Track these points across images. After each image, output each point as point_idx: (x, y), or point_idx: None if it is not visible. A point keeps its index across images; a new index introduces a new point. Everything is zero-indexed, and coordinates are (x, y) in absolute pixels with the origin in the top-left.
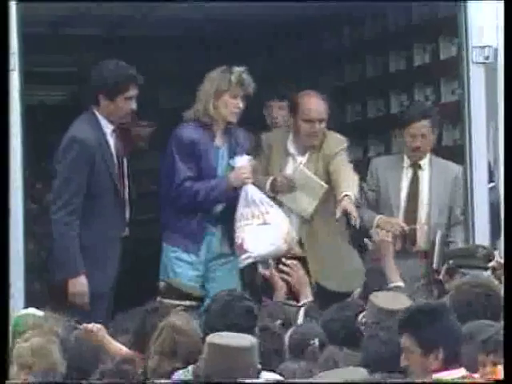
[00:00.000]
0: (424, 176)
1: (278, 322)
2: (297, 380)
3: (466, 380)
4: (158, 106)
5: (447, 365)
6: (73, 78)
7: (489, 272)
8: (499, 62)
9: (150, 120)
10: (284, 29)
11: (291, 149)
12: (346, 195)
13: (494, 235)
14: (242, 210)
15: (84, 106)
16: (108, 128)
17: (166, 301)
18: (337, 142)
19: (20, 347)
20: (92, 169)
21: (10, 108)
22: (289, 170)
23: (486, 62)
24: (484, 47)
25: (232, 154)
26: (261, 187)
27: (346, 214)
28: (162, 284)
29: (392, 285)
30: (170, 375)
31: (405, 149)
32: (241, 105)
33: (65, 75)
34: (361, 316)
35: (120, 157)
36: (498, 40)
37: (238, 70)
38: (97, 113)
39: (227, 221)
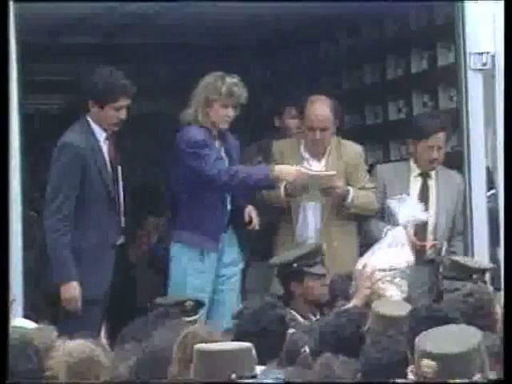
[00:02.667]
0: (432, 185)
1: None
2: (297, 380)
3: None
4: (156, 112)
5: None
6: (72, 87)
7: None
8: (497, 68)
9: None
10: (283, 36)
11: (305, 154)
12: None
13: (493, 243)
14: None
15: (79, 113)
16: (101, 135)
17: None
18: (355, 151)
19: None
20: (84, 174)
21: (10, 117)
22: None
23: (484, 68)
24: (481, 54)
25: (229, 156)
26: (275, 195)
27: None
28: (189, 303)
29: None
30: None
31: (417, 159)
32: (231, 113)
33: (64, 84)
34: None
35: (114, 164)
36: (495, 46)
37: (229, 81)
38: (90, 120)
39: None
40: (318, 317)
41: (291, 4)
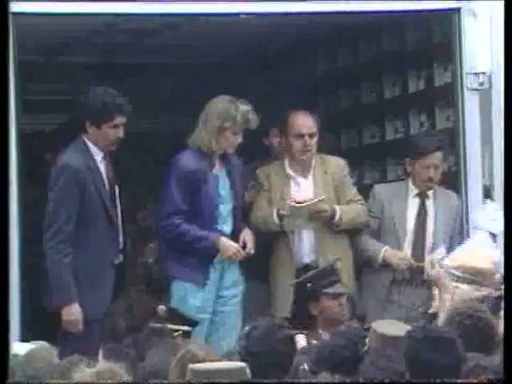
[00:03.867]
0: (430, 205)
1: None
2: (297, 380)
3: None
4: (156, 132)
5: None
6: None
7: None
8: (493, 88)
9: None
10: (279, 55)
11: (291, 172)
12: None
13: None
14: None
15: (75, 133)
16: (98, 155)
17: (164, 325)
18: (339, 164)
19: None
20: (83, 195)
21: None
22: (292, 192)
23: (481, 88)
24: (478, 74)
25: (231, 178)
26: (268, 221)
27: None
28: (161, 308)
29: None
30: None
31: (414, 178)
32: (240, 139)
33: (61, 103)
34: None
35: (112, 183)
36: (492, 66)
37: (243, 108)
38: (86, 140)
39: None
40: None
41: (288, 22)
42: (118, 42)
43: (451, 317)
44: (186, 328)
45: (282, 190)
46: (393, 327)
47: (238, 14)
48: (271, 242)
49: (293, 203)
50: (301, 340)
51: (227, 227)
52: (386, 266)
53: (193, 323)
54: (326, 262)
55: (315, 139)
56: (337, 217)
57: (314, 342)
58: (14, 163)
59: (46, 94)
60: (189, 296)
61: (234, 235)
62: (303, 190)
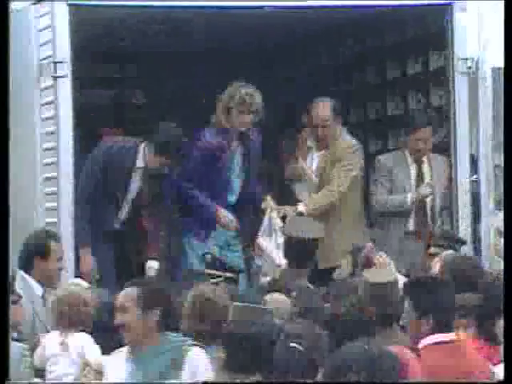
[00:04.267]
0: (426, 171)
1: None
2: (296, 380)
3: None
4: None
5: (437, 331)
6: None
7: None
8: (480, 71)
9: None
10: (287, 42)
11: (311, 144)
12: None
13: (474, 218)
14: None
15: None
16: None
17: (211, 271)
18: (344, 147)
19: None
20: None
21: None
22: (309, 160)
23: (469, 71)
24: (467, 59)
25: (244, 155)
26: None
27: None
28: (208, 257)
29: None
30: (199, 338)
31: (409, 148)
32: (247, 119)
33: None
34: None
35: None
36: (479, 52)
37: (243, 91)
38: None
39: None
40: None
41: (293, 15)
42: (155, 30)
43: (451, 260)
44: (228, 274)
45: (303, 155)
46: (379, 274)
47: (262, 7)
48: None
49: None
50: None
51: (232, 198)
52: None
53: (237, 271)
54: None
55: (328, 128)
56: (303, 210)
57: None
58: (70, 136)
59: (99, 73)
60: (196, 251)
61: (238, 205)
62: (314, 162)
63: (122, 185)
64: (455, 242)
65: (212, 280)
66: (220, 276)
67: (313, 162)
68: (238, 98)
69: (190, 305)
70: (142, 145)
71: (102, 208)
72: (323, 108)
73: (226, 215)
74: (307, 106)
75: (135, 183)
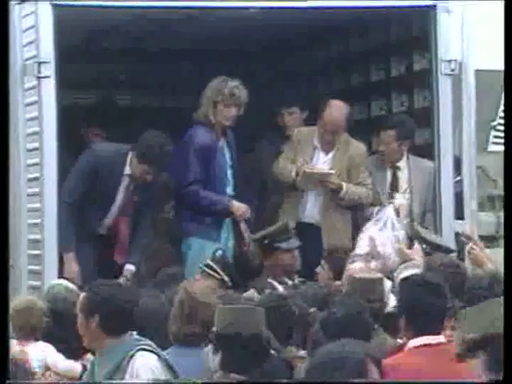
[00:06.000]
0: (404, 175)
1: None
2: (296, 379)
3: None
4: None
5: (414, 333)
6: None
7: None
8: (463, 73)
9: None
10: (282, 41)
11: (317, 144)
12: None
13: (458, 219)
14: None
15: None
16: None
17: (214, 265)
18: (360, 150)
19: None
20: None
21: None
22: (314, 161)
23: (452, 73)
24: (450, 61)
25: (231, 148)
26: (286, 175)
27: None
28: (219, 252)
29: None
30: (189, 339)
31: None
32: (233, 112)
33: (96, 82)
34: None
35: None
36: (462, 55)
37: (231, 84)
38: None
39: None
40: (296, 281)
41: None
42: (145, 29)
43: (436, 264)
44: (226, 278)
45: (305, 155)
46: (365, 273)
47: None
48: (279, 201)
49: (306, 168)
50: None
51: (230, 189)
52: None
53: (234, 278)
54: (281, 222)
55: (338, 133)
56: (343, 192)
57: (267, 291)
58: (54, 136)
59: (83, 73)
60: (206, 251)
61: (235, 195)
62: (320, 162)
63: (111, 191)
64: (442, 251)
65: (210, 272)
66: (219, 274)
67: (318, 161)
68: (226, 90)
69: (178, 306)
70: (130, 153)
71: (89, 212)
72: (337, 111)
73: (239, 205)
74: (320, 105)
75: (122, 190)
